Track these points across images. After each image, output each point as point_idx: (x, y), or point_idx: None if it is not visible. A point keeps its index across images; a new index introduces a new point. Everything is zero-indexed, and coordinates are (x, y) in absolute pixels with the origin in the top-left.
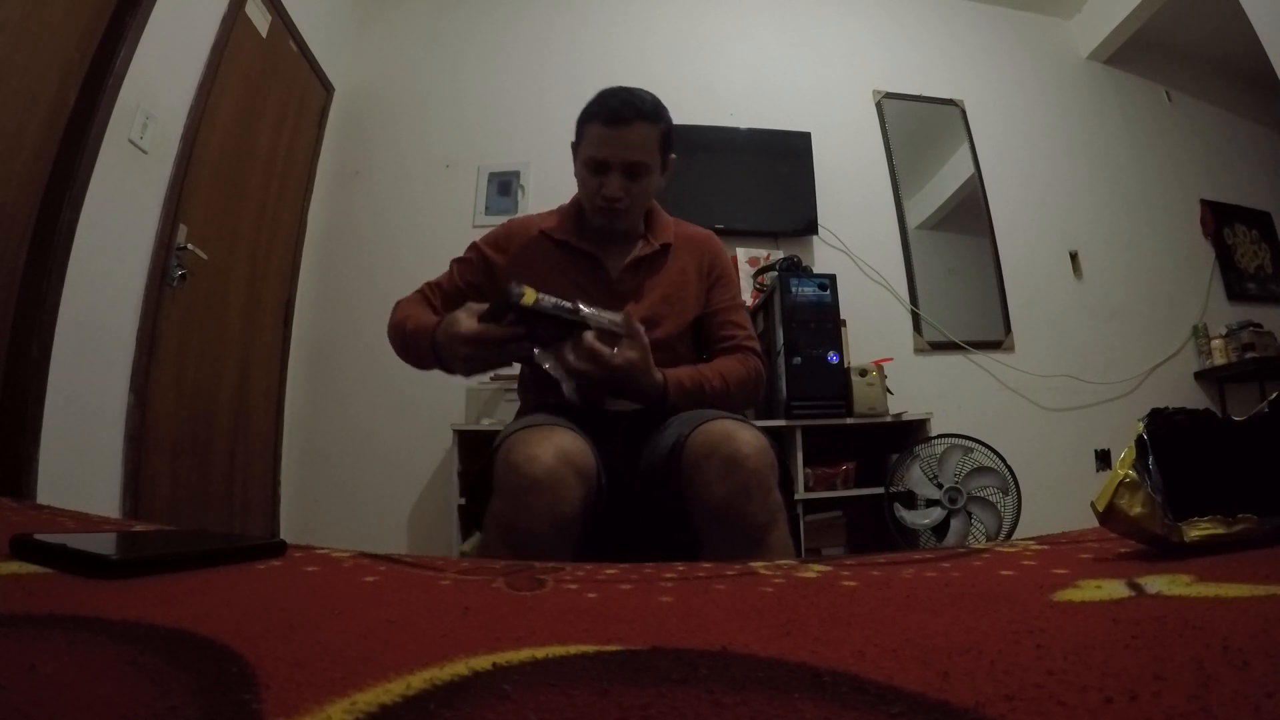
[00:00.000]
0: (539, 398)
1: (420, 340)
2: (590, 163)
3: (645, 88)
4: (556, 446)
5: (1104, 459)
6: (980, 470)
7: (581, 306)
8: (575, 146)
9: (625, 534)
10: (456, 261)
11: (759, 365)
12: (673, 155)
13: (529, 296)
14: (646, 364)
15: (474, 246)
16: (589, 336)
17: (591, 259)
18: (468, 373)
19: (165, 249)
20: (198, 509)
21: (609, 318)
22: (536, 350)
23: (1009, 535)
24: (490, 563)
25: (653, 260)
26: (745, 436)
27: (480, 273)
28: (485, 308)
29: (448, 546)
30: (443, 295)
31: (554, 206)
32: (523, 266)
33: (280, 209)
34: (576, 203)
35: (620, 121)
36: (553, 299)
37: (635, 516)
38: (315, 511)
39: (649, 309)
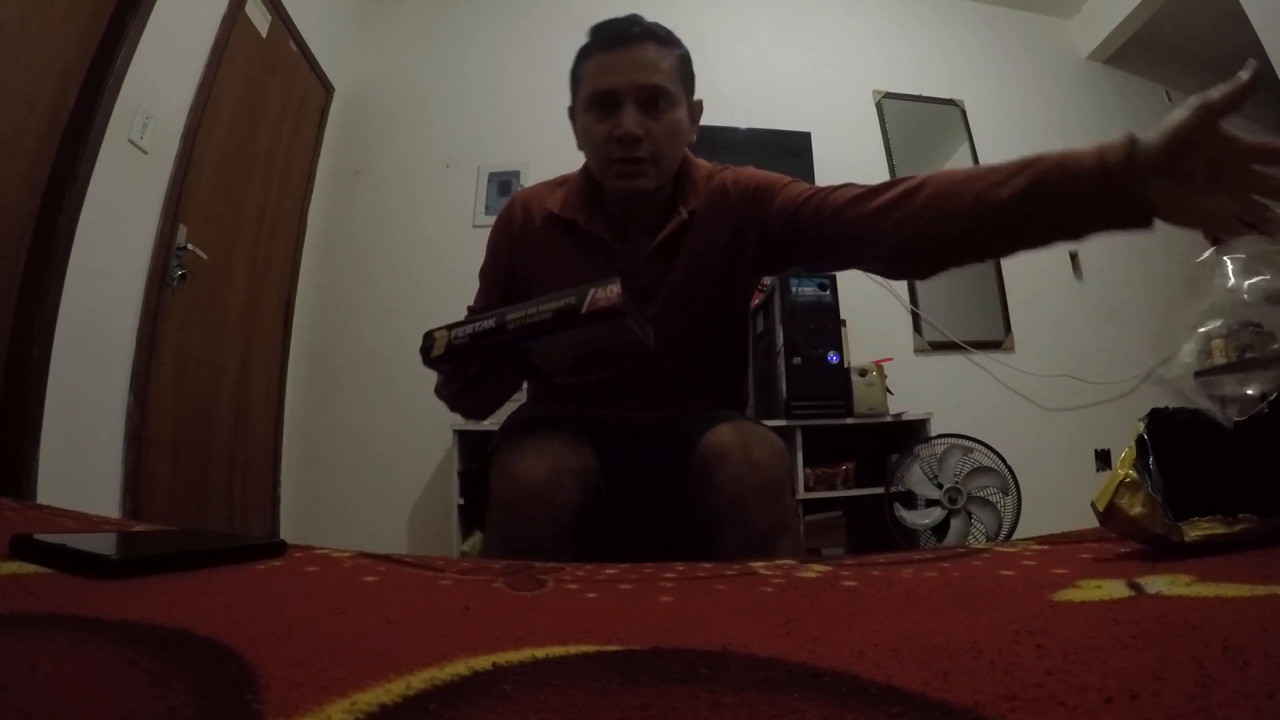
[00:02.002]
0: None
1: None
2: (594, 99)
3: None
4: (551, 454)
5: (1104, 459)
6: (980, 470)
7: (507, 315)
8: (573, 108)
9: (628, 537)
10: (480, 276)
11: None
12: (698, 99)
13: (439, 345)
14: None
15: (488, 246)
16: None
17: (603, 246)
18: (484, 411)
19: (165, 249)
20: (198, 509)
21: (549, 307)
22: (523, 360)
23: (1009, 535)
24: (490, 563)
25: (680, 237)
26: (759, 439)
27: (499, 290)
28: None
29: (448, 546)
30: None
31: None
32: (531, 263)
33: (280, 209)
34: (587, 168)
35: (624, 41)
36: (469, 328)
37: (638, 519)
38: (315, 511)
39: (675, 287)
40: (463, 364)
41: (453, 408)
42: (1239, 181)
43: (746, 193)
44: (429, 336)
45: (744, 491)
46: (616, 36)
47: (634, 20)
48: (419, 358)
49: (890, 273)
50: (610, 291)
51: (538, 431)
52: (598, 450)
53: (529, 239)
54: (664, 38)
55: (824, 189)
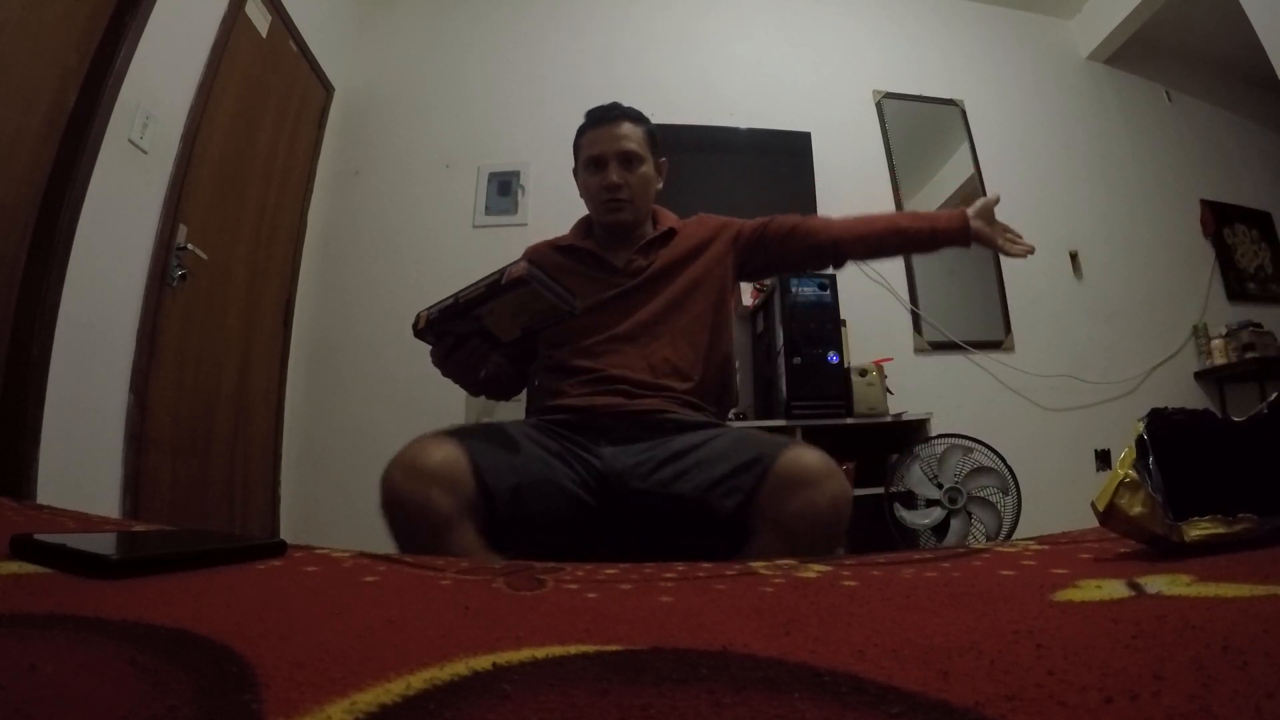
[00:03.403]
0: (540, 402)
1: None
2: (589, 162)
3: (645, 87)
4: (416, 464)
5: (1104, 459)
6: (980, 470)
7: (460, 292)
8: (576, 169)
9: (627, 536)
10: None
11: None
12: (663, 159)
13: (420, 320)
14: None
15: None
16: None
17: (594, 255)
18: (470, 379)
19: (165, 249)
20: (198, 509)
21: (484, 282)
22: (482, 328)
23: (1009, 535)
24: (490, 563)
25: (660, 241)
26: (841, 476)
27: None
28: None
29: None
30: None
31: (553, 207)
32: None
33: (280, 209)
34: (585, 218)
35: (608, 120)
36: (438, 306)
37: (641, 518)
38: (315, 511)
39: (661, 279)
40: (439, 334)
41: (444, 373)
42: (999, 230)
43: (720, 220)
44: (418, 316)
45: (818, 525)
46: (603, 117)
47: (615, 106)
48: (419, 354)
49: (820, 264)
50: (519, 266)
51: (441, 439)
52: (593, 451)
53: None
54: (635, 117)
55: (777, 216)
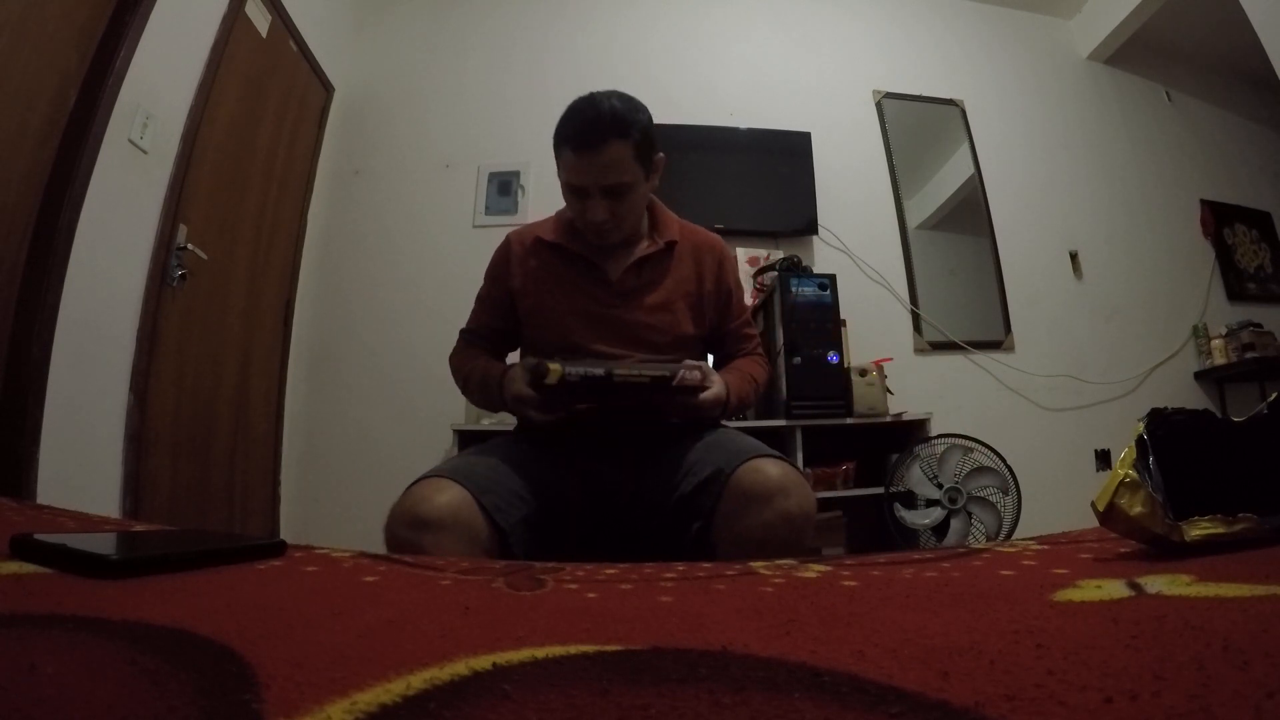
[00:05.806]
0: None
1: (490, 392)
2: (568, 188)
3: (645, 87)
4: (442, 506)
5: (1104, 459)
6: (980, 470)
7: (615, 370)
8: (558, 169)
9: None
10: (477, 301)
11: (769, 368)
12: (659, 155)
13: (553, 375)
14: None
15: (485, 281)
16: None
17: (588, 263)
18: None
19: (165, 249)
20: (198, 509)
21: (648, 373)
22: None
23: (1009, 535)
24: (490, 563)
25: (658, 259)
26: (800, 489)
27: (500, 310)
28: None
29: None
30: (479, 339)
31: (554, 207)
32: (528, 282)
33: (280, 209)
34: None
35: (589, 146)
36: (581, 369)
37: (639, 540)
38: (315, 511)
39: (651, 314)
40: (562, 393)
41: (464, 390)
42: None
43: (726, 267)
44: (543, 366)
45: (777, 540)
46: (584, 140)
47: (596, 124)
48: (418, 354)
49: None
50: (694, 374)
51: (440, 484)
52: (597, 471)
53: (523, 262)
54: (624, 129)
55: (740, 313)
